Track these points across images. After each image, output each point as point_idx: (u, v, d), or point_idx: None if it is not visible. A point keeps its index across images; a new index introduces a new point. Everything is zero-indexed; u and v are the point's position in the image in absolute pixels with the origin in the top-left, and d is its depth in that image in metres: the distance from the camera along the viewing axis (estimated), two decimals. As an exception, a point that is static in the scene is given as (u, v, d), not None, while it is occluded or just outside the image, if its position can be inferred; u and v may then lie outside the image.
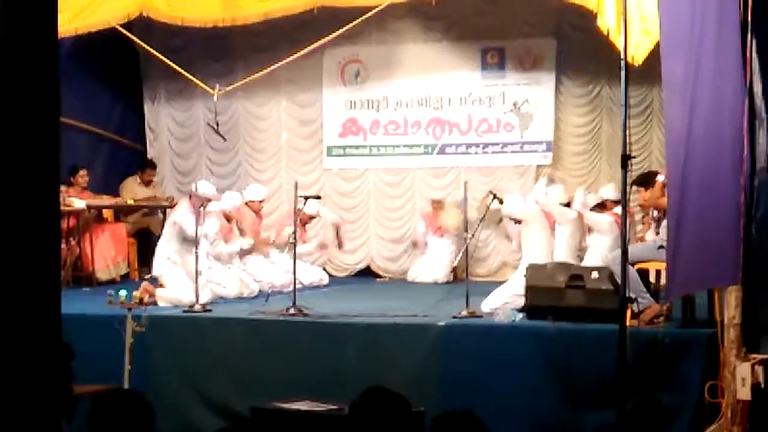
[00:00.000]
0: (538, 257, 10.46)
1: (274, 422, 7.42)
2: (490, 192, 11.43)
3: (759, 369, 7.89)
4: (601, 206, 11.48)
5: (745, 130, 7.67)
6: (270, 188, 14.98)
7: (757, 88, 7.72)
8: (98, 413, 4.32)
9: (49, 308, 2.45)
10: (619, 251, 7.74)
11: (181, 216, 11.24)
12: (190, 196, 11.55)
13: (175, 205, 14.07)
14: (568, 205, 11.42)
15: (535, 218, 11.00)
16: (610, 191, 11.67)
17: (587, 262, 10.75)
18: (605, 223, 10.94)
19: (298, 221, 13.14)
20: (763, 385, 7.86)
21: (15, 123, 2.43)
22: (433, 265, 13.73)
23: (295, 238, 10.96)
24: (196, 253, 10.59)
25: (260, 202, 13.29)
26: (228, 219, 12.28)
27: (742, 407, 8.01)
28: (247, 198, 13.13)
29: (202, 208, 11.13)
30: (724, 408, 8.14)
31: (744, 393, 7.92)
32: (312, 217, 13.44)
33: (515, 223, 11.51)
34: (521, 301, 9.67)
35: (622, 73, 7.30)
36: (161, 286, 11.07)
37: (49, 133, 2.51)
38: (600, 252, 10.73)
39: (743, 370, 7.92)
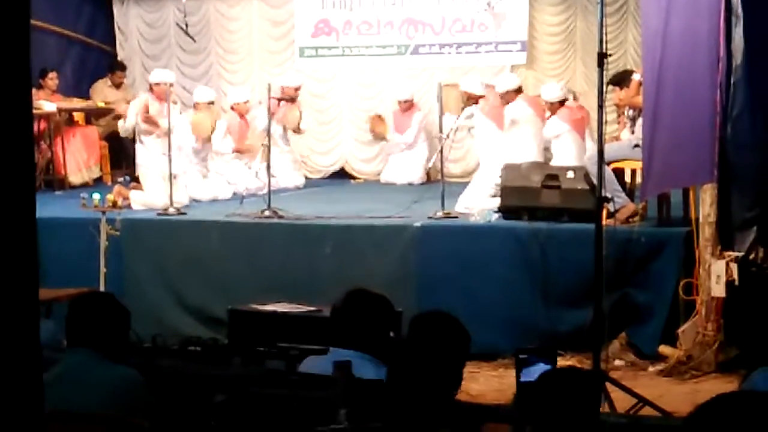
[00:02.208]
0: (493, 154, 10.41)
1: (251, 324, 7.42)
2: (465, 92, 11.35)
3: (733, 266, 7.95)
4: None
5: (721, 27, 7.62)
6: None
7: (734, -16, 7.66)
8: (75, 316, 4.31)
9: (24, 211, 2.41)
10: (594, 151, 7.72)
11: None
12: (151, 88, 11.43)
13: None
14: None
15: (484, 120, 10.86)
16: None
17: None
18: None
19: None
20: (737, 282, 7.93)
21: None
22: (406, 166, 13.68)
23: (269, 142, 10.89)
24: (169, 155, 10.52)
25: (245, 103, 12.81)
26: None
27: (717, 304, 8.09)
28: (232, 101, 12.89)
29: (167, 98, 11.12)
30: (698, 305, 8.21)
31: (718, 290, 7.99)
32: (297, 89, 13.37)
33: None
34: (495, 200, 9.68)
35: (599, -30, 7.21)
36: (136, 188, 11.04)
37: (19, 34, 2.44)
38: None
39: (718, 267, 7.98)
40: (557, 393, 3.34)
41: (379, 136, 13.94)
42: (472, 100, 10.76)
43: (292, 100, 13.04)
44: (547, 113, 10.90)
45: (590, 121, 11.59)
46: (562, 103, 11.10)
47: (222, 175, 12.17)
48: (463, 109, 10.77)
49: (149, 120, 11.12)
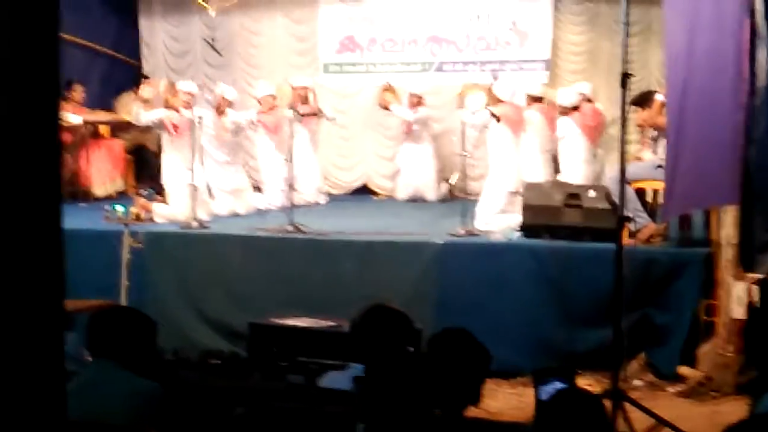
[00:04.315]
0: (505, 162, 10.45)
1: (272, 338, 7.45)
2: (487, 108, 11.36)
3: (754, 288, 7.93)
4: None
5: (745, 49, 7.62)
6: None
7: (759, 6, 7.66)
8: (100, 327, 4.33)
9: (50, 223, 2.45)
10: (617, 171, 7.73)
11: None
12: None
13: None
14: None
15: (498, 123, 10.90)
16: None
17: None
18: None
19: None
20: (757, 304, 7.91)
21: (13, 37, 2.40)
22: (420, 181, 13.69)
23: (290, 156, 10.91)
24: (192, 168, 10.58)
25: (273, 98, 12.98)
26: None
27: (737, 326, 8.07)
28: (260, 94, 13.09)
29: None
30: (718, 326, 8.20)
31: (739, 312, 7.97)
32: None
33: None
34: (516, 218, 9.70)
35: (623, -10, 7.21)
36: (159, 201, 11.11)
37: (49, 47, 2.48)
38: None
39: (739, 289, 7.97)
40: (564, 414, 3.38)
41: (383, 105, 13.96)
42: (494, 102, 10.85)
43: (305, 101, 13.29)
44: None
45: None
46: (575, 108, 11.13)
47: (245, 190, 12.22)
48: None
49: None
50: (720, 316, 8.20)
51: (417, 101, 13.81)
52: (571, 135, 10.74)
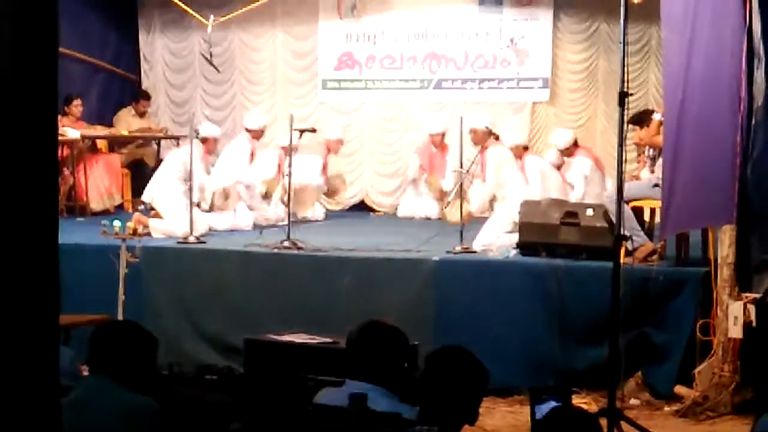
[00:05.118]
0: (518, 193, 10.45)
1: (268, 354, 7.44)
2: (487, 128, 11.39)
3: (751, 308, 7.93)
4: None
5: (743, 69, 7.64)
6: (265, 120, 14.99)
7: (756, 27, 7.69)
8: (100, 342, 4.33)
9: (46, 238, 2.44)
10: (614, 189, 7.73)
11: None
12: (204, 140, 11.46)
13: (172, 138, 14.09)
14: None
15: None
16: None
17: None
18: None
19: (326, 150, 13.18)
20: (754, 324, 7.91)
21: (12, 52, 2.40)
22: (425, 200, 13.70)
23: (290, 171, 10.91)
24: (190, 185, 10.57)
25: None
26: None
27: (734, 345, 8.08)
28: (283, 143, 12.59)
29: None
30: (715, 346, 8.19)
31: (735, 331, 7.97)
32: (340, 142, 13.46)
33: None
34: (513, 236, 9.69)
35: (622, 9, 7.22)
36: (156, 216, 11.07)
37: (47, 63, 2.48)
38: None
39: (735, 308, 7.97)
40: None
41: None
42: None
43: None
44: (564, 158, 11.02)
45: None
46: (576, 144, 11.17)
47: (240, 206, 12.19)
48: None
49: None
50: (717, 335, 8.20)
51: (441, 140, 13.68)
52: (590, 169, 10.77)
